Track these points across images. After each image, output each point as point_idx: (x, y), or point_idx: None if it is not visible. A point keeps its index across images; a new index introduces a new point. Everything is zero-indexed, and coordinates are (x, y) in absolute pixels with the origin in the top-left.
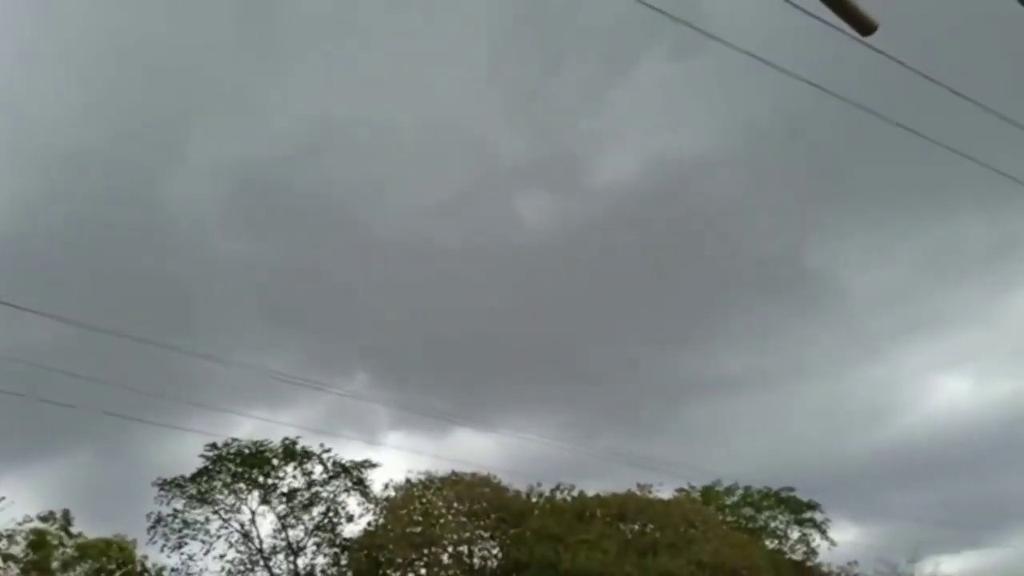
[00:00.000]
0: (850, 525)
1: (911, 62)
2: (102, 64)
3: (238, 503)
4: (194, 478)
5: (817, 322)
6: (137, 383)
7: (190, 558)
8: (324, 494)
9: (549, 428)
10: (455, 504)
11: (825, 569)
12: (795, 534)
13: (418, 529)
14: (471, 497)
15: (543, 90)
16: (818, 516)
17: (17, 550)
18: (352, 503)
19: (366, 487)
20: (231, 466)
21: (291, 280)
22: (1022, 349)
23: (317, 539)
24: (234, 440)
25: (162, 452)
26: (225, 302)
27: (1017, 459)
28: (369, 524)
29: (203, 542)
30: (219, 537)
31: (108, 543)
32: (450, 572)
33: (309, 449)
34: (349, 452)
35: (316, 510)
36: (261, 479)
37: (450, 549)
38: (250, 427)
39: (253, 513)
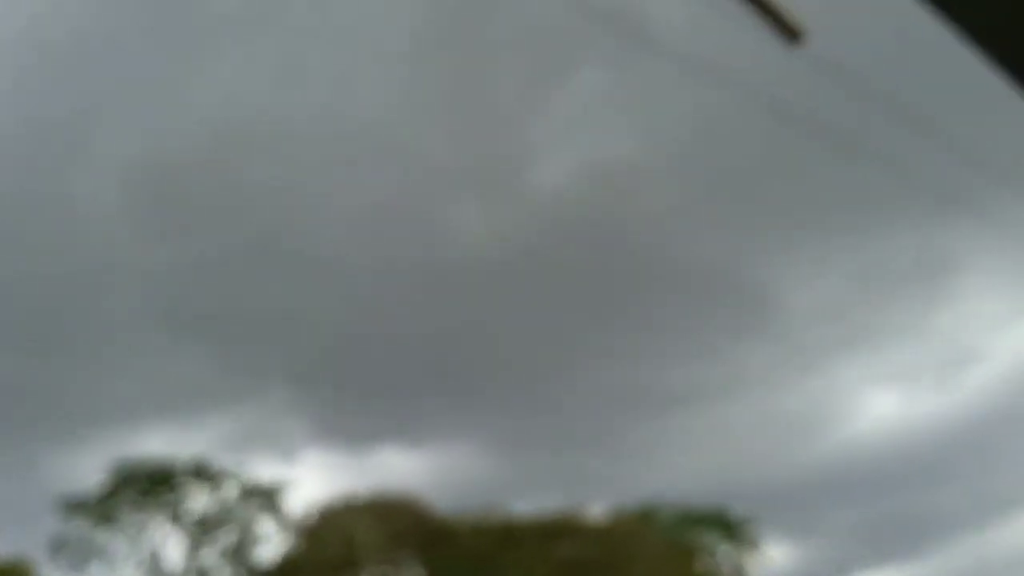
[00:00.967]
0: (785, 541)
1: (844, 77)
2: (3, 57)
3: (146, 524)
4: (98, 497)
5: (754, 336)
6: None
7: None
8: (237, 516)
9: (478, 445)
10: (376, 528)
11: None
12: (727, 552)
13: (338, 554)
14: (393, 520)
15: (473, 93)
16: (752, 533)
17: None
18: (267, 525)
19: (280, 510)
20: (139, 485)
21: (202, 289)
22: (950, 365)
23: (230, 567)
24: (140, 458)
25: (60, 468)
26: (132, 310)
27: (944, 474)
28: (287, 549)
29: (109, 565)
30: (126, 560)
31: (11, 566)
32: None
33: (221, 468)
34: (264, 471)
35: (228, 533)
36: (170, 498)
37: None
38: (158, 443)
39: (161, 536)
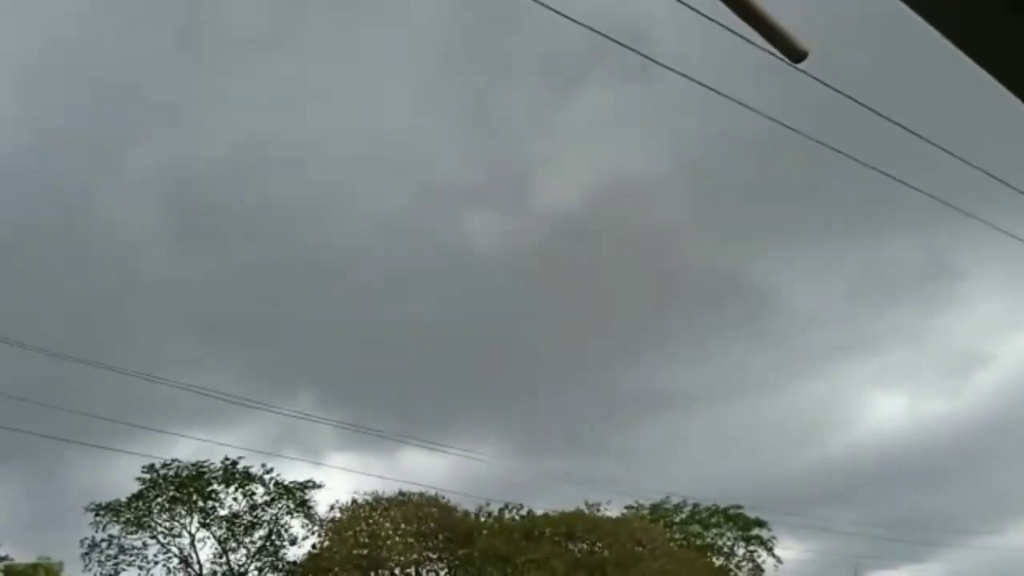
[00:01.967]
0: (793, 542)
1: (844, 88)
2: (35, 74)
3: (177, 527)
4: (130, 502)
5: (759, 340)
6: (69, 403)
7: None
8: (266, 516)
9: (497, 447)
10: (402, 525)
11: None
12: (741, 551)
13: (364, 551)
14: (418, 518)
15: (488, 110)
16: (764, 533)
17: None
18: (296, 525)
19: (310, 508)
20: (169, 489)
21: (232, 298)
22: (952, 368)
23: (259, 563)
24: (173, 461)
25: (96, 474)
26: (164, 320)
27: (950, 475)
28: (314, 546)
29: (140, 568)
30: (157, 563)
31: (35, 567)
32: None
33: (250, 470)
34: (293, 473)
35: (258, 533)
36: (200, 502)
37: (397, 571)
38: (190, 448)
39: (192, 537)
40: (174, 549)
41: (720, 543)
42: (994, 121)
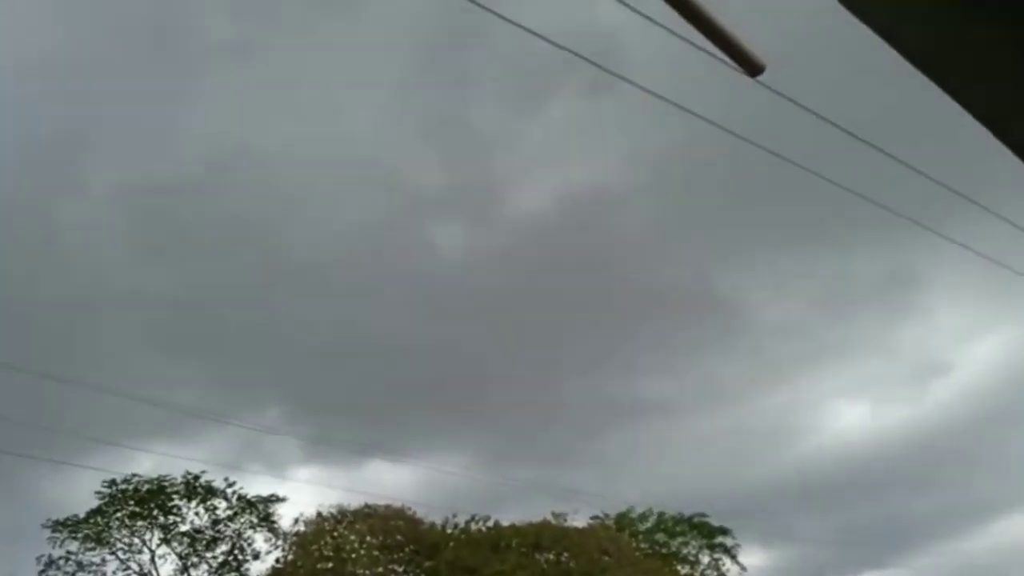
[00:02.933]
0: (759, 549)
1: (807, 103)
2: None
3: (137, 543)
4: (88, 517)
5: (725, 350)
6: (26, 417)
7: None
8: (229, 531)
9: (464, 458)
10: (368, 538)
11: None
12: (706, 559)
13: (329, 564)
14: (384, 530)
15: (457, 120)
16: (729, 541)
17: None
18: (259, 540)
19: (273, 523)
20: (129, 504)
21: (195, 310)
22: (913, 377)
23: None
24: (133, 476)
25: (54, 489)
26: (124, 333)
27: (914, 482)
28: (278, 561)
29: None
30: None
31: None
32: None
33: (212, 484)
34: (257, 487)
35: (220, 548)
36: (162, 517)
37: None
38: (151, 463)
39: (153, 553)
40: (134, 565)
41: (685, 551)
42: (951, 135)
